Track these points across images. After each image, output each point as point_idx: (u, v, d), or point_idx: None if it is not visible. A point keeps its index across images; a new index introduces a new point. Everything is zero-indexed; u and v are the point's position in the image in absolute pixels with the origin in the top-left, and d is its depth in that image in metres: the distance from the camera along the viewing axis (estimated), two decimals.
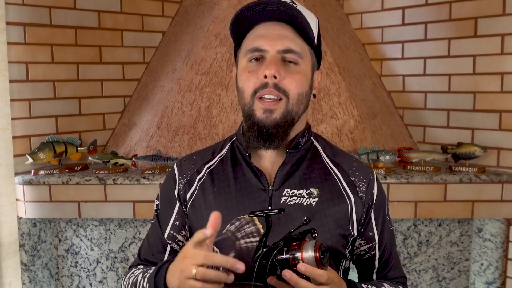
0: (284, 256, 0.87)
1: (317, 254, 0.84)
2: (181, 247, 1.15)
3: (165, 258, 1.16)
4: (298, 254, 0.85)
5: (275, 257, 0.87)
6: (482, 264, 2.05)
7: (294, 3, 1.02)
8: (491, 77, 2.06)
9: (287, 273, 0.84)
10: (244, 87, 1.02)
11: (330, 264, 1.04)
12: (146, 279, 1.01)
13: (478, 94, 2.11)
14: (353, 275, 1.20)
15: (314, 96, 1.09)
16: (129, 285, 1.06)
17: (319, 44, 1.08)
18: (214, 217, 0.86)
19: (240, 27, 1.04)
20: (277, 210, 0.93)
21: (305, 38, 1.03)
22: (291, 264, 0.85)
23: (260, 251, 0.90)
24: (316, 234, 0.89)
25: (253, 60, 1.02)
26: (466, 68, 2.13)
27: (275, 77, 0.98)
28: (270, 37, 1.00)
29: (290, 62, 1.01)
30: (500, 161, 2.06)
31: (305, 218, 0.91)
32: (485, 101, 2.09)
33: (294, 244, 0.87)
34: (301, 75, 1.02)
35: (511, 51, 2.00)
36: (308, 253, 0.85)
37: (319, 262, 0.84)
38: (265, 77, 0.99)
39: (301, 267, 0.84)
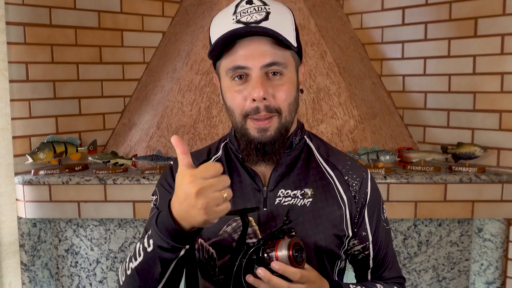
0: (260, 255, 0.89)
1: (291, 252, 0.86)
2: None
3: None
4: (272, 253, 0.87)
5: (252, 256, 0.89)
6: (482, 264, 2.05)
7: (266, 4, 0.99)
8: (491, 77, 2.06)
9: (261, 271, 0.86)
10: (233, 107, 1.01)
11: (324, 265, 1.04)
12: (145, 238, 0.93)
13: (478, 94, 2.11)
14: (351, 276, 1.19)
15: (302, 91, 1.08)
16: (127, 263, 0.98)
17: (298, 39, 1.05)
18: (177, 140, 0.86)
19: (217, 50, 1.01)
20: (252, 208, 0.94)
21: (285, 46, 1.00)
22: (267, 263, 0.88)
23: (238, 250, 0.91)
24: (294, 233, 0.90)
25: (236, 78, 0.99)
26: (466, 68, 2.13)
27: (264, 98, 0.96)
28: (250, 55, 0.97)
29: (274, 74, 0.98)
30: (500, 161, 2.06)
31: (285, 218, 0.93)
32: (485, 101, 2.09)
33: (270, 243, 0.89)
34: (287, 84, 1.00)
35: (511, 51, 2.00)
36: (282, 252, 0.87)
37: (293, 261, 0.86)
38: (254, 100, 0.97)
39: (274, 265, 0.86)
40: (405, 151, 2.10)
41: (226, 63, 1.01)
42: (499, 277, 2.04)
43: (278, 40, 0.98)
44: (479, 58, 2.09)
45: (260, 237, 1.00)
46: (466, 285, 2.10)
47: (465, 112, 2.16)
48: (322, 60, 2.20)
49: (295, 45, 1.02)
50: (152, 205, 1.16)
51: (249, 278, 0.89)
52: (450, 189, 1.95)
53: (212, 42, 1.02)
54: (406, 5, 2.28)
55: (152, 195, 1.16)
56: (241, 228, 0.93)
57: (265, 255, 0.88)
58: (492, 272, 2.04)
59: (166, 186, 1.12)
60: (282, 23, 0.99)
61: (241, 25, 0.97)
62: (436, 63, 2.22)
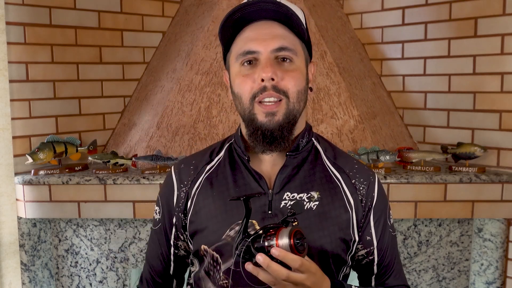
0: (261, 243, 0.87)
1: (292, 241, 0.84)
2: (182, 255, 1.15)
3: (171, 270, 1.16)
4: (273, 241, 0.86)
5: (252, 244, 0.88)
6: (482, 264, 2.05)
7: None
8: (491, 77, 2.06)
9: (260, 257, 0.84)
10: (240, 92, 1.00)
11: (330, 269, 1.02)
12: None
13: (478, 94, 2.11)
14: (351, 276, 1.19)
15: (311, 89, 1.07)
16: None
17: (309, 36, 1.06)
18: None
19: (229, 31, 1.01)
20: (255, 194, 0.93)
21: (295, 33, 1.01)
22: (267, 250, 0.86)
23: (239, 238, 0.90)
24: (296, 223, 0.89)
25: (246, 64, 0.99)
26: (466, 68, 2.13)
27: (272, 79, 0.96)
28: (261, 38, 0.98)
29: (284, 60, 0.99)
30: (500, 161, 2.06)
31: (289, 209, 0.91)
32: (485, 101, 2.09)
33: (271, 231, 0.88)
34: (297, 72, 1.00)
35: (511, 51, 2.00)
36: (283, 240, 0.85)
37: (294, 249, 0.85)
38: (262, 80, 0.96)
39: (274, 251, 0.84)
40: (405, 151, 2.10)
41: (236, 48, 1.01)
42: (499, 277, 2.04)
43: (289, 23, 0.99)
44: (479, 58, 2.09)
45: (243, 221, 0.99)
46: (466, 285, 2.10)
47: (465, 112, 2.16)
48: (322, 60, 2.20)
49: (306, 35, 1.03)
50: (154, 216, 1.16)
51: (248, 266, 0.87)
52: (450, 189, 1.95)
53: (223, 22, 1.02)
54: (406, 5, 2.28)
55: (156, 204, 1.16)
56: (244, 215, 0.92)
57: (266, 243, 0.87)
58: (492, 272, 2.04)
59: (168, 201, 1.12)
60: (295, 9, 1.01)
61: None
62: (436, 63, 2.22)
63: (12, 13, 1.99)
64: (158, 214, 1.15)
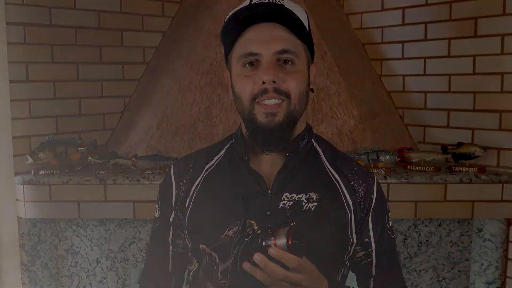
0: (258, 243, 0.87)
1: (289, 241, 0.84)
2: (180, 253, 1.15)
3: (170, 267, 1.16)
4: (271, 241, 0.86)
5: (250, 243, 0.88)
6: (482, 264, 2.05)
7: (282, 1, 0.99)
8: (491, 77, 2.06)
9: (257, 256, 0.85)
10: (241, 93, 1.00)
11: (328, 271, 1.01)
12: None
13: (478, 94, 2.11)
14: (350, 277, 1.19)
15: (312, 90, 1.07)
16: None
17: (311, 37, 1.06)
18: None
19: (231, 32, 1.01)
20: (255, 193, 0.93)
21: (298, 35, 1.01)
22: (265, 250, 0.86)
23: (237, 237, 0.90)
24: (294, 223, 0.89)
25: (247, 65, 0.99)
26: (466, 68, 2.13)
27: (274, 81, 0.96)
28: (263, 40, 0.97)
29: (286, 62, 0.98)
30: (500, 161, 2.06)
31: (288, 209, 0.91)
32: (485, 101, 2.09)
33: (269, 231, 0.88)
34: (299, 74, 1.00)
35: (511, 51, 2.00)
36: (281, 240, 0.85)
37: (292, 249, 0.85)
38: (263, 82, 0.96)
39: (271, 250, 0.84)
40: (405, 151, 2.10)
41: (238, 49, 1.01)
42: (499, 277, 2.04)
43: (291, 25, 0.98)
44: (479, 58, 2.09)
45: (241, 221, 0.98)
46: (466, 285, 2.10)
47: (465, 112, 2.16)
48: (322, 60, 2.20)
49: (308, 37, 1.02)
50: (154, 213, 1.17)
51: (246, 265, 0.87)
52: (450, 189, 1.95)
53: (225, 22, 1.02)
54: (406, 5, 2.28)
55: (156, 203, 1.16)
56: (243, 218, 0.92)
57: (264, 242, 0.87)
58: (492, 272, 2.04)
59: (166, 200, 1.12)
60: (298, 11, 1.00)
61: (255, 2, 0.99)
62: (436, 63, 2.22)
63: (12, 13, 1.99)
64: (157, 212, 1.15)
